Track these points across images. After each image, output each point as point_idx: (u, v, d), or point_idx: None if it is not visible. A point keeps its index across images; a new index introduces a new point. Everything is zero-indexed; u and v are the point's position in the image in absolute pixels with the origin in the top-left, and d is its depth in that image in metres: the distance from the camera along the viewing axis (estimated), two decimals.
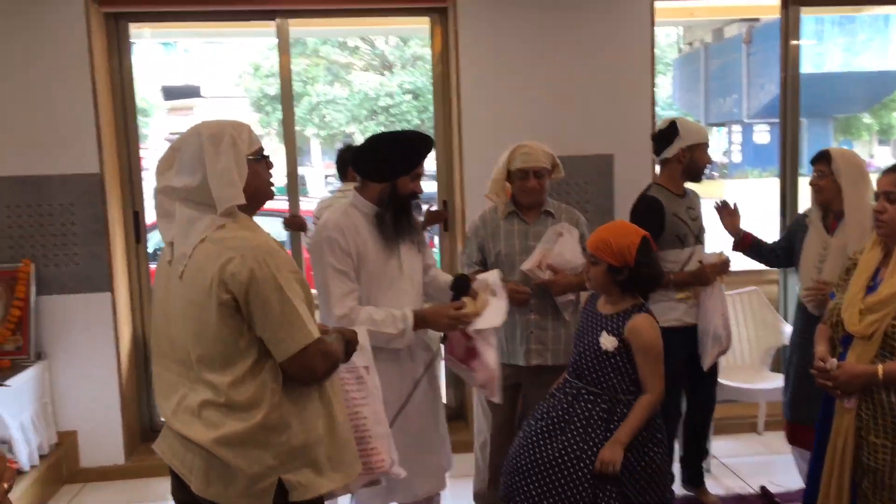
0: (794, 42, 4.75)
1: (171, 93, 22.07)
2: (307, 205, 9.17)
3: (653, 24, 4.38)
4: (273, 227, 2.76)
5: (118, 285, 4.16)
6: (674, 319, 3.37)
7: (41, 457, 3.90)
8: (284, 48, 4.44)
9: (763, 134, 20.38)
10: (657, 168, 3.79)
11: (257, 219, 2.06)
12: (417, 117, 17.50)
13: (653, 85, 4.41)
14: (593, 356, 2.63)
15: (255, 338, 1.90)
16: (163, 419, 2.06)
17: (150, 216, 3.80)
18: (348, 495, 2.77)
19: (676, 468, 3.25)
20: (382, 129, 19.77)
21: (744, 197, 12.68)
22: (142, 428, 4.43)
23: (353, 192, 2.81)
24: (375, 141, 2.78)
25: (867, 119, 22.70)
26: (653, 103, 4.43)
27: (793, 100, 4.78)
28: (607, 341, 2.59)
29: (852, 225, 3.12)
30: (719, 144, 22.74)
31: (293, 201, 4.51)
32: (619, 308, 2.65)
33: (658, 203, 3.37)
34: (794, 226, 3.56)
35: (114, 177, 4.21)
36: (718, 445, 4.25)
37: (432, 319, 2.73)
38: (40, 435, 3.89)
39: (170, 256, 2.00)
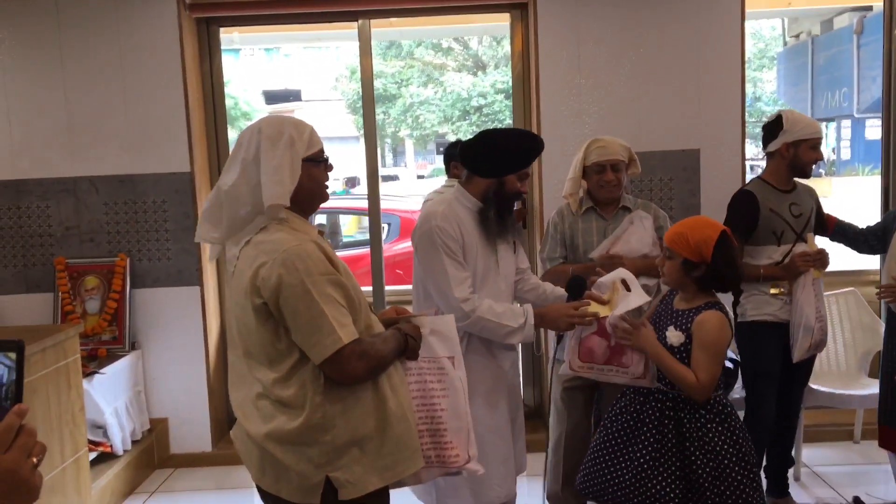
0: None
1: (272, 97, 22.76)
2: (394, 203, 9.32)
3: (743, 15, 4.22)
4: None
5: (207, 279, 4.33)
6: (767, 314, 3.29)
7: (134, 442, 4.10)
8: (366, 50, 4.50)
9: (875, 129, 19.32)
10: (747, 163, 3.66)
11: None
12: (510, 117, 17.46)
13: (743, 78, 4.25)
14: None
15: (292, 340, 1.92)
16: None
17: None
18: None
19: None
20: (475, 129, 19.88)
21: (851, 196, 12.07)
22: (228, 417, 4.59)
23: (457, 185, 2.81)
24: (489, 136, 2.77)
25: None
26: (743, 97, 4.28)
27: None
28: (673, 336, 2.51)
29: None
30: (828, 141, 21.71)
31: (373, 200, 4.57)
32: (692, 304, 2.55)
33: (752, 197, 3.29)
34: (889, 215, 3.39)
35: (204, 175, 4.39)
36: (811, 453, 4.06)
37: (551, 318, 2.70)
38: (133, 421, 4.10)
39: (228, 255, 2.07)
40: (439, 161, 23.47)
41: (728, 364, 3.35)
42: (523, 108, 4.46)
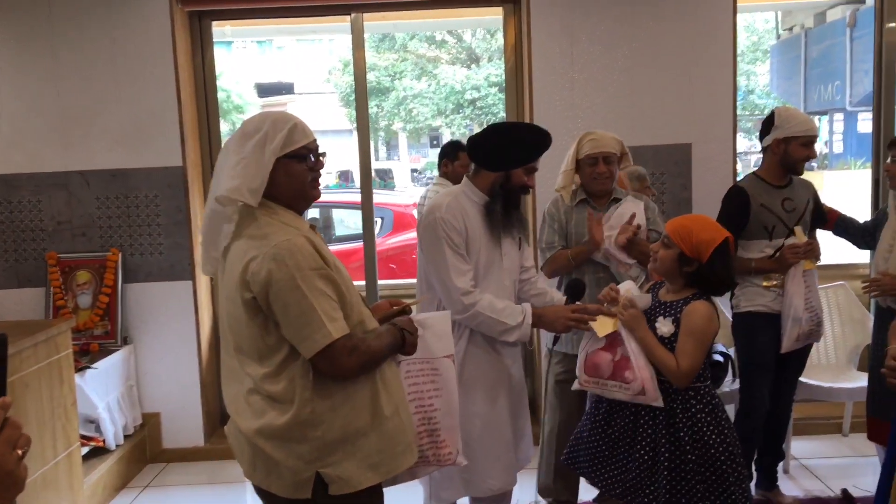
0: (891, 25, 4.50)
1: (264, 90, 22.69)
2: (392, 198, 9.29)
3: (735, 10, 4.23)
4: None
5: (199, 274, 4.32)
6: (761, 305, 3.34)
7: (126, 436, 4.11)
8: (359, 43, 4.50)
9: (867, 123, 19.35)
10: (738, 156, 3.68)
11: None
12: (503, 110, 17.43)
13: (735, 73, 4.26)
14: None
15: (282, 336, 1.91)
16: None
17: None
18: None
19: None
20: (468, 122, 19.84)
21: (843, 189, 12.11)
22: (221, 411, 4.59)
23: (465, 178, 2.81)
24: (497, 129, 2.79)
25: None
26: (734, 91, 4.29)
27: (888, 86, 4.52)
28: (664, 325, 2.52)
29: None
30: (820, 134, 21.74)
31: (366, 195, 4.57)
32: (681, 295, 2.58)
33: (742, 193, 3.33)
34: (880, 211, 3.43)
35: (196, 170, 4.38)
36: (800, 446, 4.09)
37: (549, 319, 2.71)
38: (126, 416, 4.10)
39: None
40: (433, 154, 23.45)
41: (718, 357, 3.37)
42: (516, 102, 4.47)
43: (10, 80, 4.18)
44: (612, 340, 2.59)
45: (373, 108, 18.80)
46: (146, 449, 4.28)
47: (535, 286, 2.95)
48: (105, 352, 4.08)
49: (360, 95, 4.56)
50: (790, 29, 21.39)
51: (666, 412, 2.51)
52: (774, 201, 3.33)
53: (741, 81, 19.30)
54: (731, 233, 3.25)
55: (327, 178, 17.57)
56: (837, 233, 3.57)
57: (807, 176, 3.61)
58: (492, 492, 2.82)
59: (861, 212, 4.19)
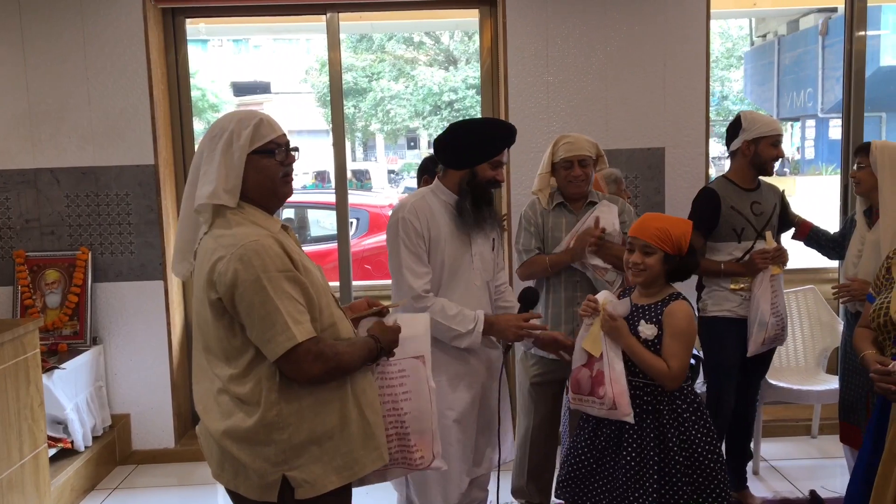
0: (861, 33, 4.57)
1: (240, 89, 22.55)
2: (368, 199, 9.25)
3: (708, 15, 4.27)
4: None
5: (171, 274, 4.28)
6: (727, 310, 3.37)
7: (95, 438, 4.05)
8: (334, 43, 4.48)
9: (838, 129, 19.59)
10: (711, 161, 3.71)
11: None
12: (480, 112, 17.45)
13: (707, 78, 4.30)
14: None
15: (248, 337, 1.90)
16: None
17: None
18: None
19: None
20: (446, 124, 19.84)
21: (814, 195, 12.24)
22: (192, 413, 4.54)
23: (436, 179, 2.82)
24: (457, 127, 2.79)
25: None
26: (707, 96, 4.33)
27: (857, 94, 4.59)
28: (647, 329, 2.56)
29: (886, 221, 3.00)
30: (792, 140, 22.00)
31: (341, 195, 4.55)
32: (657, 298, 2.63)
33: (714, 195, 3.36)
34: (847, 220, 3.48)
35: (168, 168, 4.33)
36: (769, 448, 4.13)
37: (500, 328, 2.72)
38: (95, 417, 4.04)
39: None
40: (410, 156, 23.44)
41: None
42: (492, 104, 4.47)
43: None
44: (590, 357, 2.61)
45: (350, 109, 18.74)
46: (115, 450, 4.22)
47: (504, 297, 2.97)
48: (74, 352, 4.02)
49: (336, 96, 4.54)
50: (764, 36, 21.66)
51: (653, 415, 2.54)
52: (744, 204, 3.36)
53: (715, 87, 19.49)
54: (702, 235, 3.32)
55: (303, 178, 17.50)
56: (809, 244, 3.60)
57: (779, 180, 3.66)
58: (460, 492, 2.81)
59: (831, 216, 4.25)
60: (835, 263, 4.48)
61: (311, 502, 1.95)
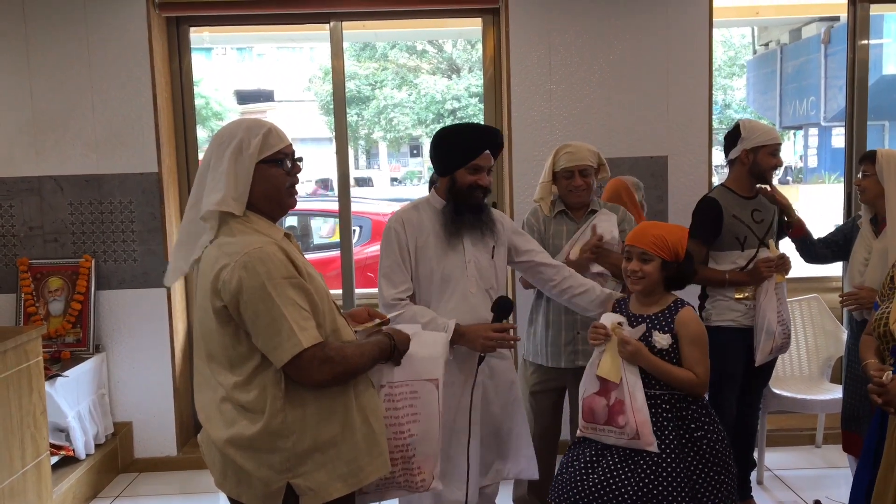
0: (863, 42, 4.58)
1: (244, 97, 22.63)
2: (369, 207, 9.27)
3: (711, 23, 4.28)
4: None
5: (175, 283, 4.27)
6: (730, 319, 3.35)
7: (97, 446, 4.04)
8: (338, 52, 4.49)
9: (841, 138, 19.58)
10: (714, 169, 3.71)
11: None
12: (483, 121, 17.47)
13: (710, 86, 4.30)
14: None
15: (253, 344, 1.90)
16: None
17: None
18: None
19: None
20: None
21: (817, 203, 12.24)
22: (194, 421, 4.54)
23: (433, 187, 2.86)
24: (437, 134, 2.80)
25: None
26: (710, 105, 4.33)
27: (860, 102, 4.60)
28: (661, 339, 2.57)
29: (893, 229, 3.00)
30: (795, 148, 21.99)
31: (344, 203, 4.56)
32: (663, 306, 2.65)
33: (715, 204, 3.35)
34: (846, 225, 3.47)
35: (172, 176, 4.34)
36: (774, 457, 4.12)
37: (469, 338, 2.66)
38: (97, 425, 4.04)
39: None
40: (413, 164, 23.47)
41: None
42: (495, 113, 4.48)
43: None
44: (606, 385, 2.57)
45: (353, 117, 18.78)
46: (118, 458, 4.22)
47: (574, 285, 2.88)
48: (77, 359, 4.02)
49: (339, 104, 4.55)
50: (766, 44, 21.69)
51: (674, 422, 2.56)
52: (745, 212, 3.36)
53: (718, 96, 19.51)
54: (704, 244, 3.32)
55: (307, 185, 17.51)
56: (795, 241, 3.57)
57: (782, 189, 3.65)
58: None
59: (834, 224, 4.22)
60: (839, 272, 4.48)
61: None
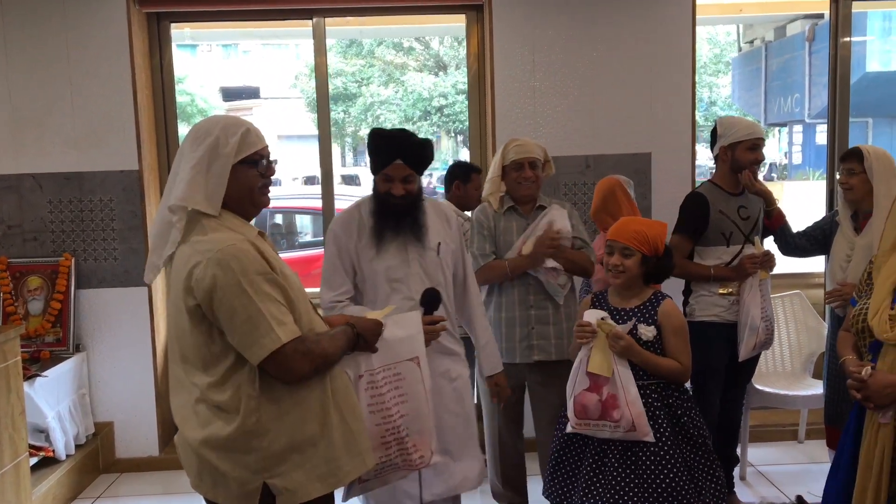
0: (846, 39, 4.59)
1: (229, 94, 22.51)
2: (349, 203, 9.20)
3: (694, 20, 4.28)
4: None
5: (155, 280, 4.24)
6: (714, 315, 3.36)
7: (78, 446, 4.00)
8: (321, 48, 4.46)
9: (825, 134, 19.69)
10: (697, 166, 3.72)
11: None
12: (469, 118, 17.47)
13: (693, 83, 4.31)
14: None
15: (227, 343, 1.88)
16: None
17: None
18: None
19: None
20: (436, 129, 19.84)
21: (801, 199, 12.31)
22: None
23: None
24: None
25: None
26: (693, 102, 4.34)
27: (842, 99, 4.62)
28: (646, 331, 2.63)
29: (880, 225, 3.01)
30: (780, 145, 22.10)
31: (327, 200, 4.53)
32: (643, 298, 2.71)
33: (702, 199, 3.37)
34: (825, 220, 3.48)
35: (153, 174, 4.30)
36: (756, 453, 4.13)
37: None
38: (77, 425, 4.00)
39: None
40: None
41: None
42: (479, 110, 4.47)
43: None
44: (597, 380, 2.59)
45: (340, 114, 18.73)
46: (99, 459, 4.18)
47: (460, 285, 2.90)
48: (56, 359, 3.98)
49: (322, 101, 4.52)
50: (751, 42, 21.79)
51: (664, 409, 2.62)
52: (731, 208, 3.37)
53: (704, 93, 19.56)
54: (690, 239, 3.33)
55: (294, 184, 17.43)
56: (775, 235, 3.57)
57: (768, 186, 3.66)
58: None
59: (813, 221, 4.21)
60: (821, 268, 4.50)
61: None
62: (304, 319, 1.98)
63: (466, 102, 4.32)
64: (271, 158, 2.03)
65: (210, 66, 22.31)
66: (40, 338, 4.08)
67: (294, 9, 4.38)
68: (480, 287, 3.10)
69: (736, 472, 3.71)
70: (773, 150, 21.84)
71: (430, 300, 2.61)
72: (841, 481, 2.39)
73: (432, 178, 17.39)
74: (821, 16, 17.14)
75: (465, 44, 4.51)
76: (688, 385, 3.59)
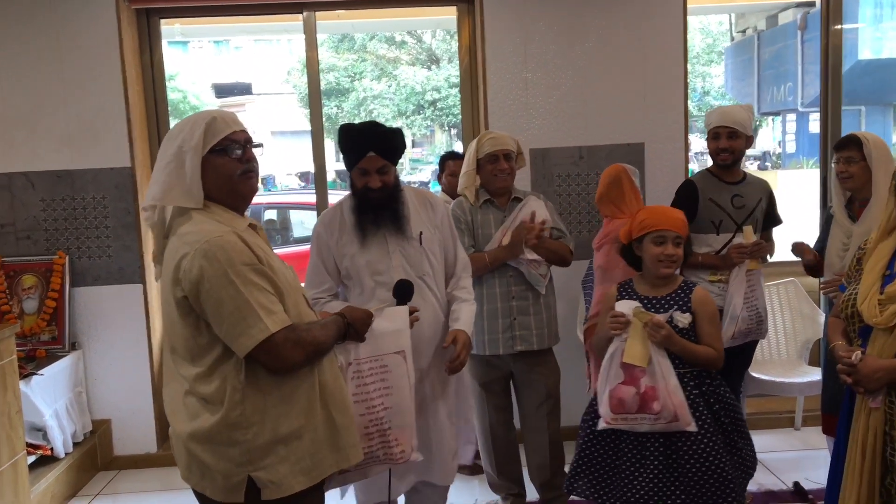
0: (837, 27, 4.60)
1: (221, 90, 22.44)
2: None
3: (686, 11, 4.27)
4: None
5: (149, 277, 4.23)
6: None
7: (76, 444, 4.00)
8: (312, 42, 4.45)
9: (818, 123, 19.68)
10: (693, 156, 3.73)
11: None
12: (461, 111, 17.45)
13: (685, 74, 4.31)
14: None
15: (214, 335, 1.87)
16: None
17: None
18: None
19: None
20: (429, 123, 19.82)
21: (795, 187, 12.32)
22: None
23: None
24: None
25: None
26: (686, 92, 4.34)
27: (834, 87, 4.63)
28: (682, 319, 2.61)
29: (878, 213, 3.00)
30: (773, 134, 22.11)
31: (321, 194, 4.53)
32: (674, 286, 2.71)
33: (692, 187, 3.42)
34: (825, 226, 3.48)
35: (145, 170, 4.29)
36: (753, 440, 4.12)
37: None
38: (75, 423, 4.00)
39: None
40: None
41: None
42: (472, 102, 4.46)
43: None
44: (632, 372, 2.55)
45: (332, 109, 18.68)
46: (97, 456, 4.18)
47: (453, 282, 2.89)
48: (52, 357, 3.97)
49: (314, 96, 4.51)
50: (743, 31, 21.78)
51: (702, 397, 2.61)
52: (724, 197, 3.38)
53: (697, 83, 19.56)
54: None
55: (288, 178, 17.40)
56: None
57: (761, 175, 3.67)
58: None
59: (812, 208, 4.23)
60: None
61: (281, 503, 1.93)
62: (293, 312, 1.97)
63: (460, 96, 4.30)
64: (254, 143, 2.01)
65: (202, 62, 22.21)
66: (36, 336, 4.07)
67: (284, 3, 4.37)
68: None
69: None
70: (767, 139, 21.87)
71: (402, 291, 2.58)
72: (842, 466, 2.40)
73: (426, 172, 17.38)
74: (812, 4, 17.13)
75: (456, 37, 4.49)
76: None
